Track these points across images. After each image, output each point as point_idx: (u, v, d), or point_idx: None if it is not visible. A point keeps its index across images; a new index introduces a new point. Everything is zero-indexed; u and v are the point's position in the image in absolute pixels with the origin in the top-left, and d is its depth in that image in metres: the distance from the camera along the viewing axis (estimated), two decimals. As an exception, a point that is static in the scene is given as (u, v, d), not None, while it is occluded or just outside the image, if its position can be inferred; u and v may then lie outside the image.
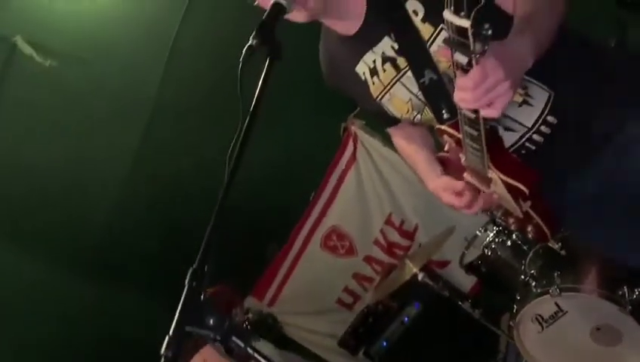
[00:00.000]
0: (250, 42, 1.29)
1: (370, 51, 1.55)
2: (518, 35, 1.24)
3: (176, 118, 2.98)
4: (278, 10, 1.37)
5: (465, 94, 1.13)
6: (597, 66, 1.54)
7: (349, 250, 4.01)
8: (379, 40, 1.53)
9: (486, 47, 1.04)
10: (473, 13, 0.96)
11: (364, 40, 1.55)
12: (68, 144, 2.78)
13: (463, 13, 0.97)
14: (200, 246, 1.10)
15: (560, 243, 2.22)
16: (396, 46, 1.51)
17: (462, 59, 1.08)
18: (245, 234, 3.18)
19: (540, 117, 1.46)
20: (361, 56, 1.57)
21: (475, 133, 1.31)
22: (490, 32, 1.02)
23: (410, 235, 3.90)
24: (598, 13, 2.84)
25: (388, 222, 3.92)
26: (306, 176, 3.90)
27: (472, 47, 1.04)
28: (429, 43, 1.45)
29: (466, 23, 0.98)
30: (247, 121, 1.25)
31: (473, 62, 1.07)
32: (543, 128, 1.47)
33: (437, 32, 1.43)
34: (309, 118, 3.64)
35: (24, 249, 3.02)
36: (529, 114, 1.46)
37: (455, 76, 1.15)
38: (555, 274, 2.30)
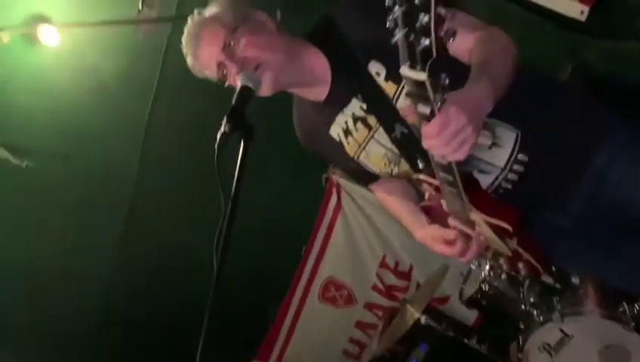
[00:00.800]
0: (222, 129, 1.32)
1: (341, 113, 1.60)
2: (476, 82, 1.29)
3: (157, 200, 3.00)
4: (246, 93, 1.42)
5: (431, 141, 1.18)
6: (556, 101, 1.60)
7: (348, 299, 3.98)
8: (348, 102, 1.58)
9: (445, 96, 1.09)
10: (428, 65, 1.01)
11: (334, 103, 1.60)
12: (53, 239, 2.78)
13: (418, 67, 1.02)
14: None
15: (552, 278, 2.24)
16: (365, 106, 1.56)
17: (424, 110, 1.13)
18: (243, 301, 3.16)
19: (510, 156, 1.50)
20: (333, 119, 1.62)
21: (451, 178, 1.34)
22: (447, 81, 1.07)
23: (406, 275, 3.89)
24: (551, 41, 2.95)
25: (382, 264, 3.92)
26: (295, 231, 3.90)
27: (432, 98, 1.08)
28: (394, 99, 1.50)
29: (422, 76, 1.03)
30: (229, 207, 1.27)
31: (435, 110, 1.12)
32: (515, 167, 1.51)
33: (400, 88, 1.49)
34: (290, 174, 3.68)
35: (18, 349, 2.97)
36: (500, 155, 1.50)
37: (420, 127, 1.19)
38: (555, 299, 2.31)
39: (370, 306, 3.92)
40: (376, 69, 1.51)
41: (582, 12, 3.14)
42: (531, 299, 2.45)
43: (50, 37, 2.34)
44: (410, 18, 0.95)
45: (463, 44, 1.42)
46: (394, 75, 1.47)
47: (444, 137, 1.15)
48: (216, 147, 1.31)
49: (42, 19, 2.33)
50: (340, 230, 3.98)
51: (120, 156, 2.78)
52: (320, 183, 3.95)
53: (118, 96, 2.59)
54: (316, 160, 3.76)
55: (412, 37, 0.97)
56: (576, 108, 1.61)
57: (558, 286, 2.17)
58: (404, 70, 1.05)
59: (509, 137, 1.49)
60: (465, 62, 1.45)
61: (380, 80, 1.51)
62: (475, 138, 1.19)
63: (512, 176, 1.52)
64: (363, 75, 1.51)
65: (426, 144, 1.19)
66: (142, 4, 2.41)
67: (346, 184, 3.93)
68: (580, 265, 1.82)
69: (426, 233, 1.64)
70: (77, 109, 2.54)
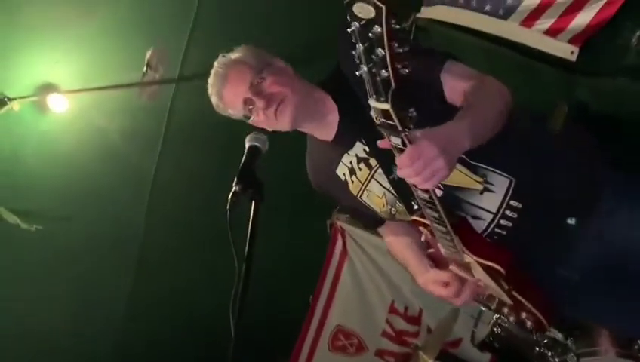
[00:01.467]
0: (233, 188, 1.38)
1: (346, 154, 1.70)
2: (456, 120, 1.37)
3: (166, 256, 3.02)
4: (254, 152, 1.48)
5: (404, 171, 1.25)
6: (551, 151, 1.63)
7: (358, 348, 3.94)
8: (353, 144, 1.68)
9: (411, 126, 1.18)
10: (390, 95, 1.09)
11: (341, 145, 1.70)
12: (63, 300, 2.78)
13: (382, 98, 1.11)
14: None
15: (560, 331, 2.24)
16: (367, 148, 1.65)
17: (396, 140, 1.22)
18: (253, 354, 3.13)
19: (503, 202, 1.53)
20: (340, 159, 1.71)
21: (436, 215, 1.39)
22: (414, 113, 1.16)
23: (416, 320, 3.86)
24: (545, 82, 3.03)
25: (392, 310, 3.89)
26: (302, 281, 3.90)
27: (399, 127, 1.17)
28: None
29: (386, 106, 1.12)
30: (243, 269, 1.29)
31: (405, 141, 1.20)
32: (508, 213, 1.54)
33: None
34: (295, 224, 3.70)
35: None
36: (492, 200, 1.54)
37: (396, 157, 1.27)
38: (569, 341, 2.29)
39: (381, 353, 3.88)
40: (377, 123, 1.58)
41: (572, 52, 3.22)
42: (545, 341, 2.44)
43: (58, 104, 2.42)
44: (369, 53, 1.05)
45: (458, 91, 1.51)
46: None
47: (416, 167, 1.23)
48: (227, 208, 1.35)
49: (51, 87, 2.41)
50: (347, 276, 3.98)
51: (127, 215, 2.82)
52: (325, 230, 3.98)
53: (124, 156, 2.65)
54: (320, 207, 3.83)
55: (374, 70, 1.06)
56: (574, 156, 1.65)
57: (568, 342, 2.16)
58: (372, 102, 1.14)
59: (501, 183, 1.54)
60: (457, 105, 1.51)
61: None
62: (447, 170, 1.26)
63: (504, 222, 1.54)
64: (366, 120, 1.58)
65: (399, 173, 1.27)
66: (146, 67, 2.49)
67: (351, 229, 3.95)
68: (586, 314, 1.83)
69: (427, 278, 1.70)
70: (84, 171, 2.59)
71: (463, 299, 1.64)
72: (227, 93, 1.65)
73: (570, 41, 3.20)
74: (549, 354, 2.36)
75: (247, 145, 1.52)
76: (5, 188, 2.49)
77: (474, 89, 1.50)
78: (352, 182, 1.71)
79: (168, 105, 2.68)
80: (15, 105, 2.32)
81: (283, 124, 1.64)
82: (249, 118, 1.66)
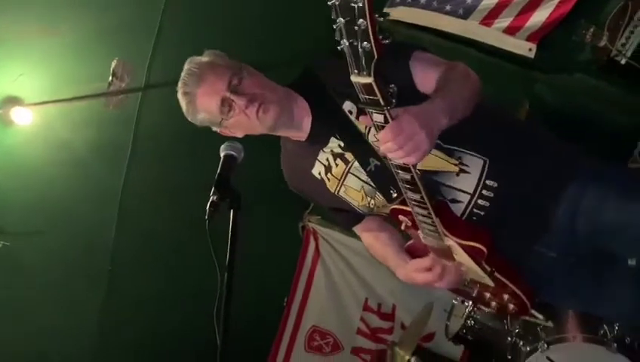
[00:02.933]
0: (211, 198, 1.37)
1: (322, 151, 1.69)
2: (431, 100, 1.40)
3: (136, 268, 2.99)
4: (230, 161, 1.48)
5: (388, 145, 1.26)
6: (523, 132, 1.69)
7: (334, 346, 3.97)
8: (327, 141, 1.68)
9: (393, 100, 1.19)
10: (372, 66, 1.11)
11: (315, 143, 1.70)
12: (30, 320, 2.72)
13: (365, 72, 1.12)
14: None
15: (541, 312, 2.29)
16: (342, 143, 1.65)
17: (378, 118, 1.24)
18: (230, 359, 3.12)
19: (479, 182, 1.56)
20: (316, 157, 1.71)
21: (418, 197, 1.41)
22: (395, 88, 1.18)
23: (389, 316, 3.92)
24: (507, 79, 3.11)
25: (365, 308, 3.94)
26: (276, 283, 3.90)
27: (381, 101, 1.18)
28: (366, 135, 1.60)
29: (368, 79, 1.14)
30: (225, 278, 1.30)
31: (387, 117, 1.22)
32: (485, 192, 1.56)
33: (369, 126, 1.57)
34: (267, 226, 3.70)
35: None
36: (468, 181, 1.56)
37: (377, 135, 1.28)
38: (539, 328, 2.37)
39: (357, 351, 3.92)
40: (349, 108, 1.61)
41: (530, 49, 3.33)
42: (516, 330, 2.51)
43: (22, 116, 2.36)
44: (351, 26, 1.06)
45: (429, 78, 1.53)
46: (363, 113, 1.57)
47: (398, 141, 1.25)
48: (206, 218, 1.35)
49: (14, 100, 2.36)
50: (321, 277, 4.00)
51: (96, 227, 2.77)
52: (296, 232, 3.99)
53: (92, 168, 2.61)
54: (292, 208, 3.83)
55: (355, 43, 1.08)
56: (543, 140, 1.70)
57: (549, 323, 2.21)
58: (354, 77, 1.15)
59: (476, 164, 1.56)
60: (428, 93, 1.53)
61: (353, 118, 1.60)
62: (428, 145, 1.28)
63: (482, 202, 1.56)
64: (339, 115, 1.61)
65: (382, 149, 1.28)
66: (111, 77, 2.46)
67: (323, 230, 3.98)
68: (569, 300, 1.85)
69: (407, 269, 1.70)
70: (51, 184, 2.54)
71: (447, 281, 1.64)
72: (202, 93, 1.59)
73: (528, 39, 3.31)
74: (521, 343, 2.44)
75: (222, 154, 1.49)
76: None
77: (445, 73, 1.53)
78: (329, 179, 1.71)
79: (135, 114, 2.65)
80: (-23, 121, 2.26)
81: (265, 124, 1.59)
82: (220, 122, 1.62)
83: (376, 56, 1.10)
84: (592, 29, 2.98)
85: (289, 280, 3.99)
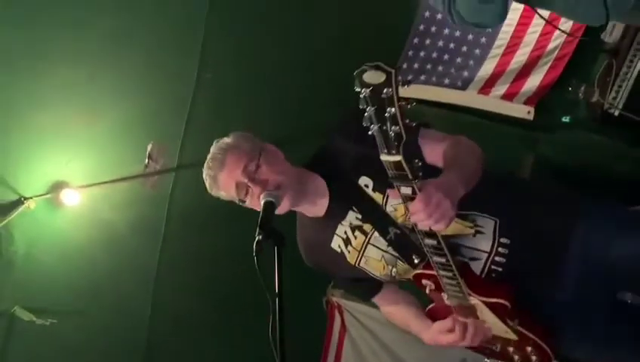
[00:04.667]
0: (257, 238, 1.48)
1: (340, 225, 1.79)
2: (447, 172, 1.55)
3: (173, 344, 3.04)
4: (270, 207, 1.62)
5: (419, 215, 1.38)
6: (526, 190, 1.83)
7: (368, 421, 3.88)
8: (345, 214, 1.78)
9: (420, 174, 1.34)
10: (401, 147, 1.25)
11: (333, 218, 1.80)
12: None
13: (394, 152, 1.26)
14: None
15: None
16: (360, 216, 1.76)
17: (406, 190, 1.37)
18: None
19: (494, 241, 1.66)
20: (334, 232, 1.80)
21: (444, 260, 1.53)
22: (420, 163, 1.33)
23: (421, 388, 3.86)
24: (509, 142, 3.31)
25: (396, 381, 3.89)
26: (304, 360, 3.88)
27: (409, 176, 1.32)
28: (383, 206, 1.72)
29: (398, 158, 1.27)
30: (277, 307, 1.40)
31: (415, 189, 1.36)
32: (500, 250, 1.66)
33: (385, 197, 1.71)
34: (292, 302, 3.74)
35: None
36: (484, 240, 1.67)
37: (407, 208, 1.41)
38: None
39: (391, 424, 3.82)
40: (365, 182, 1.73)
41: (528, 112, 3.58)
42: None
43: (70, 198, 2.55)
44: (380, 113, 1.21)
45: (437, 152, 1.69)
46: (380, 186, 1.70)
47: (428, 210, 1.37)
48: (254, 255, 1.46)
49: (63, 184, 2.55)
50: (349, 352, 3.98)
51: (134, 304, 2.87)
52: (321, 307, 4.02)
53: (130, 245, 2.75)
54: (314, 284, 3.90)
55: (384, 127, 1.23)
56: (544, 191, 1.84)
57: None
58: (384, 156, 1.29)
59: (489, 225, 1.67)
60: (440, 167, 1.68)
61: (369, 191, 1.73)
62: (453, 211, 1.41)
63: (499, 259, 1.66)
64: (355, 189, 1.73)
65: (413, 218, 1.41)
66: (147, 159, 2.67)
67: (347, 304, 4.00)
68: (584, 349, 1.84)
69: (431, 332, 1.78)
70: (92, 264, 2.67)
71: (469, 338, 1.70)
72: (223, 177, 1.71)
73: (526, 102, 3.57)
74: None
75: (262, 201, 1.60)
76: (21, 287, 2.55)
77: (451, 147, 1.68)
78: (349, 252, 1.78)
79: (169, 193, 2.84)
80: (31, 204, 2.44)
81: (281, 209, 1.67)
82: (243, 201, 1.71)
83: (404, 138, 1.24)
84: (583, 87, 3.23)
85: (316, 358, 3.97)
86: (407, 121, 1.23)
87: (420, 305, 1.87)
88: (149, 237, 2.84)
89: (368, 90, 1.19)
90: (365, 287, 1.92)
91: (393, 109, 1.19)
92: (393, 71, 1.17)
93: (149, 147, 2.71)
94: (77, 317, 2.63)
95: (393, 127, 1.22)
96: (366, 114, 1.22)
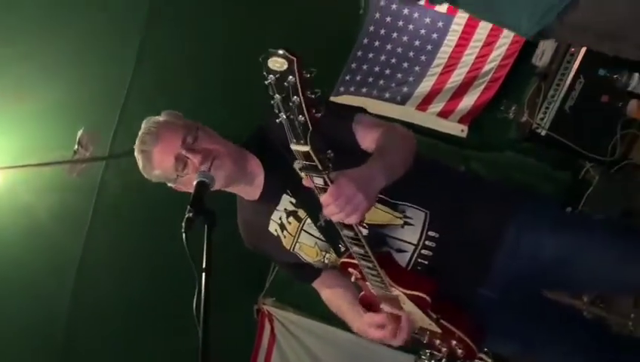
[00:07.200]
0: (187, 214, 1.45)
1: (275, 210, 1.78)
2: (370, 162, 1.54)
3: (92, 338, 2.91)
4: (202, 186, 1.58)
5: (330, 208, 1.37)
6: (460, 183, 1.84)
7: None
8: (279, 199, 1.77)
9: (330, 165, 1.32)
10: (308, 137, 1.23)
11: (269, 201, 1.79)
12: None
13: (302, 141, 1.24)
14: None
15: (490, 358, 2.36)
16: (294, 200, 1.75)
17: (318, 181, 1.36)
18: None
19: (422, 233, 1.67)
20: (270, 216, 1.79)
21: (362, 251, 1.52)
22: (332, 155, 1.31)
23: (346, 397, 3.85)
24: (445, 156, 3.41)
25: (322, 389, 3.87)
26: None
27: (319, 167, 1.30)
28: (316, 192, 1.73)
29: (306, 148, 1.25)
30: (203, 279, 1.36)
31: (327, 180, 1.34)
32: (428, 243, 1.67)
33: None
34: (219, 310, 3.67)
35: None
36: (412, 232, 1.68)
37: (319, 197, 1.39)
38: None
39: None
40: (300, 166, 1.75)
41: (462, 130, 3.72)
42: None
43: (-14, 179, 2.41)
44: (287, 102, 1.18)
45: (370, 138, 1.67)
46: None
47: (339, 203, 1.35)
48: (183, 231, 1.42)
49: (-21, 164, 2.42)
50: (277, 360, 3.94)
51: (51, 297, 2.73)
52: (251, 315, 3.97)
53: (51, 235, 2.62)
54: (244, 293, 3.84)
55: (291, 116, 1.20)
56: (477, 187, 1.85)
57: None
58: (293, 146, 1.26)
59: (419, 217, 1.68)
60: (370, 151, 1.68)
61: (303, 175, 1.74)
62: (367, 205, 1.39)
63: (426, 252, 1.68)
64: (291, 173, 1.66)
65: (325, 211, 1.40)
66: (77, 145, 2.58)
67: (278, 312, 3.98)
68: (510, 347, 1.90)
69: (361, 322, 1.77)
70: (7, 250, 2.53)
71: (400, 339, 1.70)
72: (158, 151, 1.66)
73: (460, 121, 3.72)
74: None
75: (194, 181, 1.55)
76: None
77: (383, 135, 1.66)
78: (285, 237, 1.78)
79: (98, 182, 2.74)
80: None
81: (218, 178, 1.64)
82: (175, 179, 1.67)
83: (310, 128, 1.21)
84: (514, 108, 3.40)
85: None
86: (314, 110, 1.20)
87: (356, 294, 1.84)
88: (73, 227, 2.72)
89: (274, 77, 1.16)
90: (305, 271, 1.90)
91: (297, 98, 1.17)
92: (295, 59, 1.13)
93: (80, 133, 2.61)
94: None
95: (299, 117, 1.20)
96: (272, 102, 1.19)
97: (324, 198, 1.36)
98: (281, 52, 1.13)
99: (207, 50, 2.89)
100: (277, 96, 1.18)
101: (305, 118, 1.19)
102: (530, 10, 1.69)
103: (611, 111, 2.99)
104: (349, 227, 1.46)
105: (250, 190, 1.78)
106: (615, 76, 2.90)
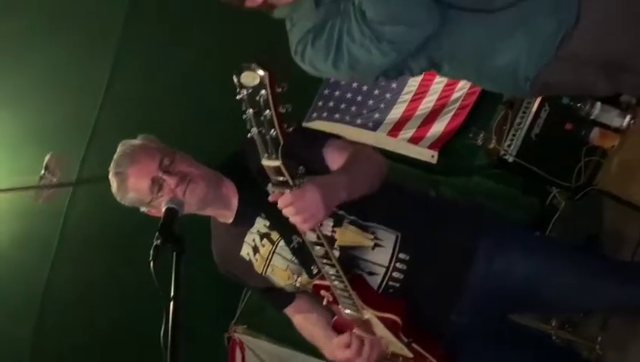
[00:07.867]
0: (154, 242, 1.43)
1: (249, 232, 1.77)
2: (334, 174, 1.58)
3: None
4: (171, 213, 1.56)
5: (288, 209, 1.39)
6: (430, 207, 1.85)
7: None
8: (253, 221, 1.76)
9: (302, 181, 1.34)
10: (279, 151, 1.24)
11: (242, 224, 1.78)
12: None
13: (273, 156, 1.25)
14: None
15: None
16: (267, 223, 1.74)
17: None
18: None
19: (392, 255, 1.67)
20: (243, 239, 1.78)
21: (334, 271, 1.53)
22: (303, 170, 1.34)
23: None
24: (416, 182, 3.45)
25: (294, 419, 3.80)
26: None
27: (290, 181, 1.33)
28: None
29: (277, 162, 1.27)
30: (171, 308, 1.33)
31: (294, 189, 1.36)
32: (398, 265, 1.67)
33: None
34: (190, 337, 3.60)
35: None
36: (383, 254, 1.67)
37: None
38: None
39: None
40: (273, 189, 1.75)
41: (432, 156, 3.77)
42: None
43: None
44: (258, 116, 1.19)
45: (339, 161, 1.68)
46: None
47: (299, 205, 1.38)
48: (150, 260, 1.39)
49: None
50: (248, 389, 3.87)
51: (15, 327, 2.64)
52: (222, 343, 3.90)
53: (15, 262, 2.55)
54: (214, 321, 3.78)
55: (263, 131, 1.21)
56: (448, 210, 1.86)
57: None
58: (264, 161, 1.27)
59: (389, 239, 1.67)
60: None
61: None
62: (323, 215, 1.42)
63: (397, 275, 1.67)
64: (265, 196, 1.67)
65: (284, 210, 1.41)
66: (44, 170, 2.53)
67: (249, 340, 3.92)
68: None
69: (332, 346, 1.76)
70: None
71: (364, 357, 1.68)
72: (134, 172, 1.64)
73: (430, 147, 3.78)
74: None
75: (163, 208, 1.53)
76: None
77: (352, 155, 1.69)
78: (256, 260, 1.77)
79: (64, 209, 2.69)
80: None
81: (192, 202, 1.64)
82: (149, 202, 1.66)
83: (282, 142, 1.23)
84: (482, 134, 3.46)
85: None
86: (285, 125, 1.21)
87: (330, 319, 1.82)
88: (38, 254, 2.65)
89: (246, 92, 1.16)
90: (278, 297, 1.88)
91: (269, 112, 1.18)
92: (266, 73, 1.14)
93: (47, 158, 2.56)
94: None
95: (271, 131, 1.20)
96: (244, 116, 1.20)
97: (284, 198, 1.37)
98: (253, 65, 1.14)
99: (179, 76, 2.89)
100: (249, 110, 1.18)
101: (276, 132, 1.20)
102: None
103: (575, 138, 3.05)
104: (320, 244, 1.46)
105: (225, 213, 1.78)
106: (578, 105, 2.98)
